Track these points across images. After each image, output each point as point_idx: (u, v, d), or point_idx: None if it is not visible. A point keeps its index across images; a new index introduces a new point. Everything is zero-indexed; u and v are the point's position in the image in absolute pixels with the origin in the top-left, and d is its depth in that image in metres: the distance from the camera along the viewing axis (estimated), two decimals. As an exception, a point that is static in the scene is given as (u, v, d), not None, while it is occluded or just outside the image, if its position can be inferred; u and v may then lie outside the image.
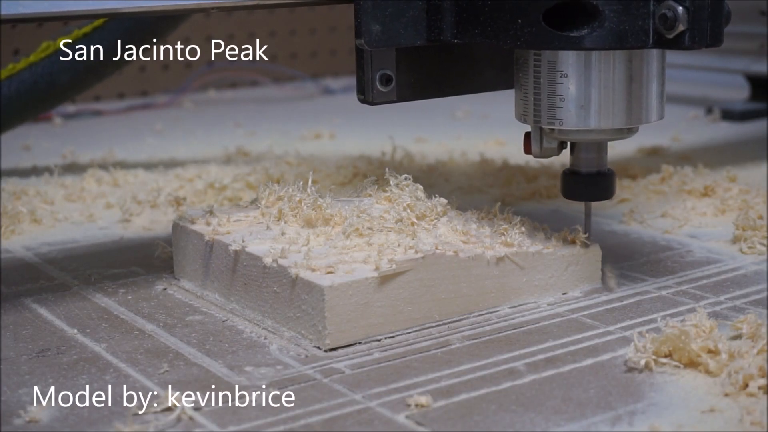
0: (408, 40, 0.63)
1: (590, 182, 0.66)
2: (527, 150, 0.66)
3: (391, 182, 0.68)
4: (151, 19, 0.95)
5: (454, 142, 1.14)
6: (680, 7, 0.57)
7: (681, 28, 0.57)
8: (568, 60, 0.61)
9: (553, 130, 0.64)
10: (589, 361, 0.54)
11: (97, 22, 0.95)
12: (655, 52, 0.62)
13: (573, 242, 0.64)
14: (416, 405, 0.49)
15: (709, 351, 0.52)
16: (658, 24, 0.58)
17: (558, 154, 0.66)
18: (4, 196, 0.91)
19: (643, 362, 0.52)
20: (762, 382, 0.48)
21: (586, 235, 0.64)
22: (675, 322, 0.53)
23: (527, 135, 0.66)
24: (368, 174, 0.73)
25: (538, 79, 0.62)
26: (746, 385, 0.48)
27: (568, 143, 0.66)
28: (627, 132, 0.63)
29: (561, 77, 0.61)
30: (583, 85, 0.61)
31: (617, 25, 0.58)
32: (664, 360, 0.52)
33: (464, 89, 0.70)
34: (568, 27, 0.59)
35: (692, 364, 0.52)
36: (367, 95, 0.65)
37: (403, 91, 0.66)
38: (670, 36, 0.57)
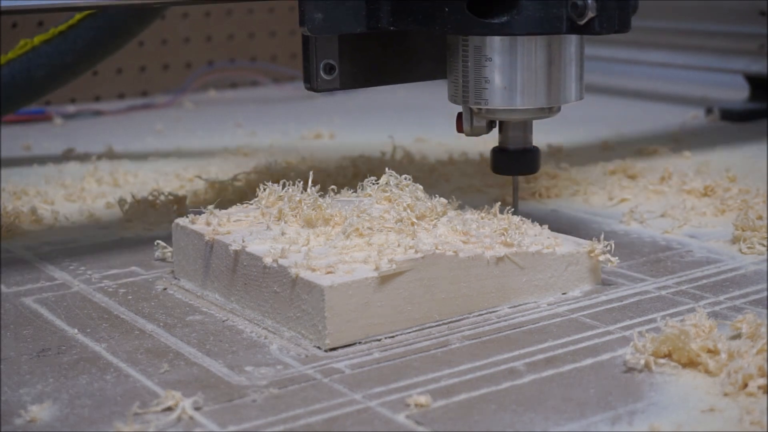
0: (349, 27, 0.68)
1: (517, 158, 0.72)
2: (459, 129, 0.71)
3: (391, 182, 0.68)
4: (122, 16, 0.99)
5: (454, 142, 1.14)
6: None
7: (590, 15, 0.63)
8: (493, 45, 0.67)
9: (480, 109, 0.69)
10: (589, 361, 0.54)
11: (72, 21, 0.99)
12: (573, 38, 0.68)
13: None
14: (416, 405, 0.49)
15: (709, 351, 0.52)
16: (570, 11, 0.64)
17: (488, 132, 0.72)
18: (4, 196, 0.91)
19: (642, 362, 0.52)
20: (761, 381, 0.48)
21: (512, 210, 0.67)
22: (675, 322, 0.53)
23: (459, 115, 0.71)
24: (368, 174, 0.73)
25: (466, 63, 0.68)
26: (746, 385, 0.48)
27: (497, 122, 0.71)
28: (548, 111, 0.69)
29: (486, 61, 0.67)
30: (506, 68, 0.67)
31: (534, 12, 0.64)
32: (663, 360, 0.52)
33: (404, 78, 0.75)
34: (490, 14, 0.65)
35: (692, 363, 0.52)
36: (312, 83, 0.70)
37: (346, 79, 0.71)
38: (581, 22, 0.63)
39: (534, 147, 0.72)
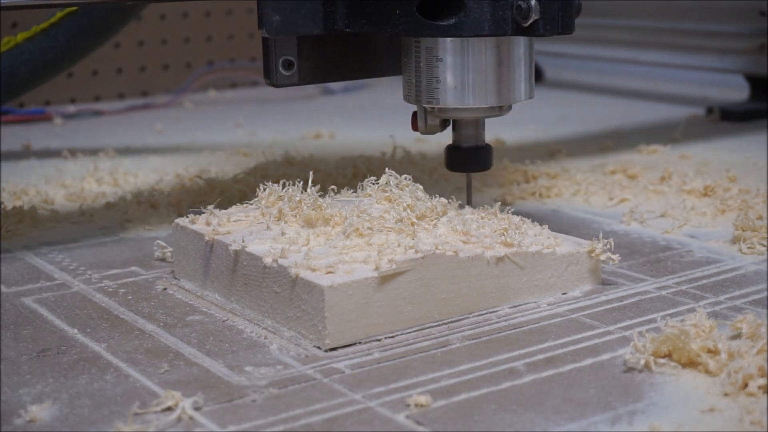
0: (306, 29, 0.70)
1: (470, 156, 0.74)
2: (414, 127, 0.74)
3: (391, 182, 0.68)
4: (101, 14, 1.02)
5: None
6: (533, 0, 0.65)
7: (534, 17, 0.65)
8: (443, 46, 0.68)
9: (433, 108, 0.71)
10: (589, 361, 0.54)
11: (53, 19, 1.02)
12: (522, 39, 0.70)
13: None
14: (416, 405, 0.49)
15: (709, 351, 0.52)
16: (515, 14, 0.66)
17: (442, 130, 0.74)
18: (4, 196, 0.91)
19: (642, 362, 0.52)
20: (762, 381, 0.48)
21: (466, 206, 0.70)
22: (675, 322, 0.53)
23: (414, 114, 0.73)
24: (368, 174, 0.73)
25: (419, 63, 0.70)
26: (746, 385, 0.48)
27: (451, 121, 0.73)
28: (499, 110, 0.71)
29: (437, 62, 0.69)
30: (456, 69, 0.69)
31: (481, 15, 0.66)
32: (663, 360, 0.52)
33: (363, 74, 0.78)
34: (439, 16, 0.67)
35: (692, 363, 0.52)
36: (271, 78, 0.73)
37: (305, 75, 0.73)
38: (526, 24, 0.66)
39: (486, 145, 0.75)
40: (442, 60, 0.69)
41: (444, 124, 0.74)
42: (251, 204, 0.69)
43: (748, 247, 0.71)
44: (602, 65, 1.68)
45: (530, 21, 0.65)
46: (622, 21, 1.48)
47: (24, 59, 1.03)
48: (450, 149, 0.75)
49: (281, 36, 0.71)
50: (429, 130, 0.73)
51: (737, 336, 0.55)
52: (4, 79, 1.03)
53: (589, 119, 1.30)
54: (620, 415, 0.48)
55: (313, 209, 0.64)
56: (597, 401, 0.49)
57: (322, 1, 0.70)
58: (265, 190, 0.68)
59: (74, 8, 1.01)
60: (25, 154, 1.16)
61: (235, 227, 0.65)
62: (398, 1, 0.68)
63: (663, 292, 0.64)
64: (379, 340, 0.57)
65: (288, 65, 0.72)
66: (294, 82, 0.73)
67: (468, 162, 0.75)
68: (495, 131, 1.19)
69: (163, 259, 0.73)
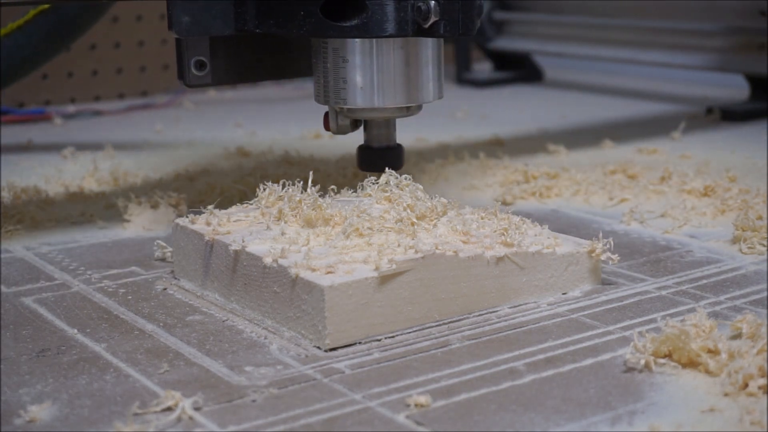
0: (217, 30, 0.71)
1: (381, 155, 0.76)
2: (326, 127, 0.75)
3: (391, 182, 0.68)
4: (73, 12, 1.05)
5: (454, 142, 1.14)
6: (432, 1, 0.66)
7: (434, 18, 0.66)
8: (349, 47, 0.70)
9: (342, 108, 0.73)
10: (589, 361, 0.54)
11: (27, 16, 1.05)
12: (429, 41, 0.71)
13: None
14: (416, 405, 0.49)
15: (709, 351, 0.52)
16: (416, 15, 0.67)
17: (353, 130, 0.75)
18: (4, 196, 0.91)
19: (642, 362, 0.52)
20: (762, 381, 0.48)
21: None
22: (675, 322, 0.53)
23: (326, 114, 0.75)
24: (368, 174, 0.74)
25: (326, 64, 0.72)
26: (746, 385, 0.48)
27: (363, 121, 0.75)
28: (407, 110, 0.73)
29: (343, 62, 0.71)
30: (362, 70, 0.70)
31: (382, 16, 0.68)
32: (663, 360, 0.52)
33: (278, 75, 0.80)
34: (342, 18, 0.68)
35: (692, 363, 0.52)
36: (184, 79, 0.74)
37: (219, 75, 0.75)
38: (426, 25, 0.67)
39: (397, 144, 0.76)
40: (348, 61, 0.70)
41: (355, 124, 0.75)
42: (251, 204, 0.69)
43: (748, 247, 0.71)
44: (602, 65, 1.68)
45: (430, 22, 0.67)
46: (622, 21, 1.48)
47: (2, 56, 1.07)
48: (361, 149, 0.77)
49: (191, 36, 0.72)
50: (340, 130, 0.75)
51: (737, 336, 0.55)
52: None
53: (589, 119, 1.30)
54: (620, 415, 0.48)
55: (313, 209, 0.64)
56: (597, 401, 0.49)
57: (233, 2, 0.71)
58: (265, 190, 0.68)
59: (47, 6, 1.04)
60: (25, 154, 1.16)
61: (235, 227, 0.65)
62: (303, 2, 0.68)
63: (663, 292, 0.64)
64: (379, 340, 0.57)
65: (200, 65, 0.73)
66: (207, 82, 0.74)
67: (379, 161, 0.76)
68: (494, 131, 1.19)
69: (163, 259, 0.73)
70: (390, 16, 0.68)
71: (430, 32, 0.68)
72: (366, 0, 0.67)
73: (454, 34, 0.68)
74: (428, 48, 0.72)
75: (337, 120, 0.75)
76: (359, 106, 0.72)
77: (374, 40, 0.70)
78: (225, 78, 0.75)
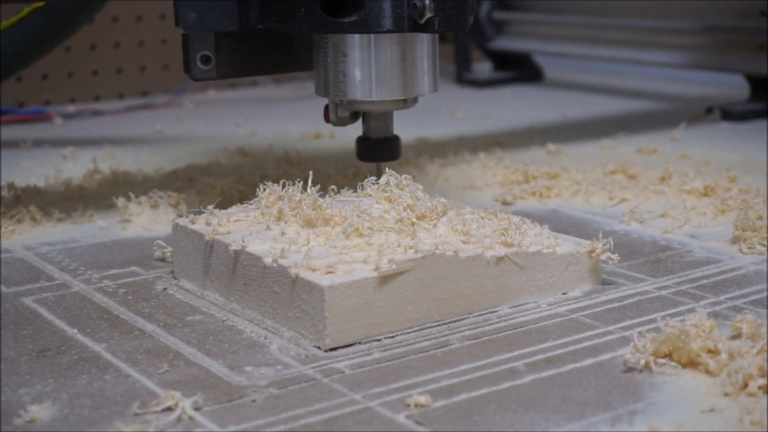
0: (222, 25, 0.74)
1: (379, 146, 0.78)
2: (326, 118, 0.78)
3: (391, 182, 0.68)
4: (65, 10, 1.07)
5: (454, 142, 1.14)
6: None
7: (429, 14, 0.69)
8: (348, 42, 0.72)
9: (342, 101, 0.75)
10: (589, 361, 0.54)
11: (21, 14, 1.07)
12: (425, 36, 0.74)
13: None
14: (416, 405, 0.49)
15: (709, 351, 0.52)
16: (412, 12, 0.70)
17: (352, 122, 0.78)
18: (4, 196, 0.91)
19: (642, 362, 0.52)
20: (762, 381, 0.48)
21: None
22: (675, 322, 0.53)
23: (326, 106, 0.77)
24: (368, 174, 0.74)
25: (326, 58, 0.74)
26: (746, 385, 0.48)
27: (361, 113, 0.77)
28: (404, 102, 0.75)
29: (342, 57, 0.73)
30: (361, 64, 0.73)
31: (380, 12, 0.70)
32: (663, 360, 0.52)
33: (282, 69, 0.82)
34: (342, 14, 0.71)
35: (692, 363, 0.52)
36: (190, 73, 0.76)
37: (224, 69, 0.77)
38: (421, 21, 0.69)
39: (395, 136, 0.79)
40: (347, 55, 0.73)
41: (354, 116, 0.77)
42: (251, 204, 0.69)
43: (748, 247, 0.71)
44: (602, 65, 1.68)
45: (425, 18, 0.69)
46: (622, 21, 1.48)
47: None
48: (360, 140, 0.79)
49: (197, 32, 0.74)
50: (340, 122, 0.77)
51: (737, 336, 0.55)
52: None
53: (589, 119, 1.30)
54: (620, 415, 0.48)
55: (313, 209, 0.64)
56: (597, 401, 0.49)
57: (237, 0, 0.73)
58: (265, 190, 0.68)
59: (41, 4, 1.05)
60: (25, 154, 1.16)
61: (235, 227, 0.65)
62: None
63: (663, 292, 0.64)
64: (379, 340, 0.57)
65: (206, 60, 0.76)
66: (212, 76, 0.77)
67: (377, 152, 0.79)
68: (494, 131, 1.19)
69: (163, 259, 0.73)
70: (387, 13, 0.70)
71: (425, 28, 0.70)
72: None
73: (447, 30, 0.70)
74: (424, 43, 0.74)
75: (337, 112, 0.77)
76: (358, 98, 0.74)
77: (372, 35, 0.72)
78: (229, 72, 0.78)
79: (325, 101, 0.78)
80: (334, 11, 0.71)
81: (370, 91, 0.73)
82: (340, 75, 0.73)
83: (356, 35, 0.72)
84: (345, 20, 0.71)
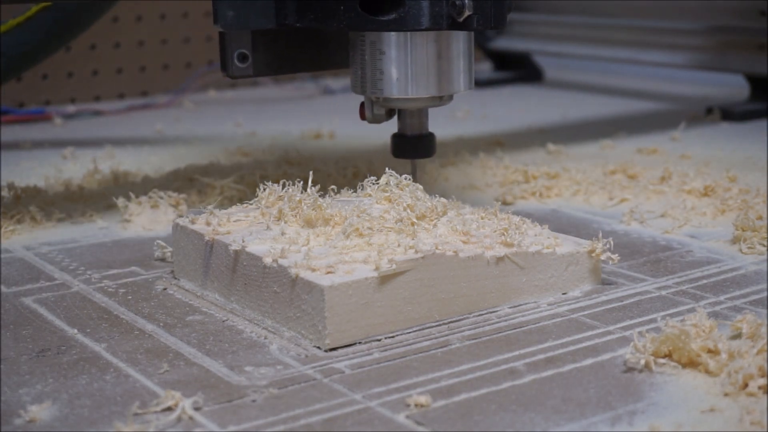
0: (259, 23, 0.75)
1: (414, 143, 0.79)
2: (362, 116, 0.78)
3: (391, 182, 0.68)
4: (73, 9, 1.07)
5: (454, 142, 1.14)
6: None
7: (468, 13, 0.70)
8: (385, 40, 0.73)
9: (378, 98, 0.76)
10: (589, 361, 0.54)
11: (29, 13, 1.07)
12: (461, 34, 0.74)
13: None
14: (416, 405, 0.49)
15: (709, 351, 0.52)
16: (450, 10, 0.71)
17: (388, 119, 0.78)
18: (4, 196, 0.91)
19: (642, 362, 0.52)
20: (762, 381, 0.48)
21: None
22: (675, 322, 0.53)
23: (362, 104, 0.78)
24: (368, 174, 0.74)
25: (363, 56, 0.75)
26: (746, 385, 0.48)
27: (397, 110, 0.78)
28: (440, 100, 0.76)
29: (380, 55, 0.74)
30: (398, 61, 0.74)
31: (419, 11, 0.71)
32: (663, 360, 0.52)
33: (318, 66, 0.83)
34: (381, 12, 0.72)
35: (692, 363, 0.52)
36: (227, 70, 0.77)
37: (260, 67, 0.78)
38: (460, 20, 0.70)
39: (429, 133, 0.79)
40: (385, 53, 0.73)
41: (390, 114, 0.78)
42: (251, 204, 0.69)
43: (748, 247, 0.71)
44: (602, 65, 1.68)
45: (464, 16, 0.70)
46: (622, 21, 1.48)
47: (2, 51, 1.08)
48: (395, 137, 0.80)
49: (235, 30, 0.75)
50: (376, 119, 0.78)
51: (737, 336, 0.55)
52: None
53: (589, 119, 1.30)
54: (620, 415, 0.48)
55: (313, 209, 0.64)
56: (597, 401, 0.49)
57: None
58: (265, 190, 0.68)
59: (48, 3, 1.05)
60: (25, 154, 1.16)
61: (235, 227, 0.65)
62: None
63: (663, 292, 0.64)
64: (379, 340, 0.57)
65: (243, 58, 0.77)
66: (249, 73, 0.77)
67: (412, 149, 0.79)
68: (494, 131, 1.19)
69: (163, 259, 0.73)
70: (426, 11, 0.71)
71: (463, 26, 0.71)
72: None
73: (486, 27, 0.71)
74: (460, 41, 0.75)
75: (373, 109, 0.78)
76: (394, 95, 0.75)
77: (409, 33, 0.73)
78: (265, 70, 0.78)
79: (361, 98, 0.78)
80: (373, 9, 0.72)
81: (406, 89, 0.74)
82: (377, 73, 0.74)
83: (393, 33, 0.73)
84: (384, 18, 0.72)
